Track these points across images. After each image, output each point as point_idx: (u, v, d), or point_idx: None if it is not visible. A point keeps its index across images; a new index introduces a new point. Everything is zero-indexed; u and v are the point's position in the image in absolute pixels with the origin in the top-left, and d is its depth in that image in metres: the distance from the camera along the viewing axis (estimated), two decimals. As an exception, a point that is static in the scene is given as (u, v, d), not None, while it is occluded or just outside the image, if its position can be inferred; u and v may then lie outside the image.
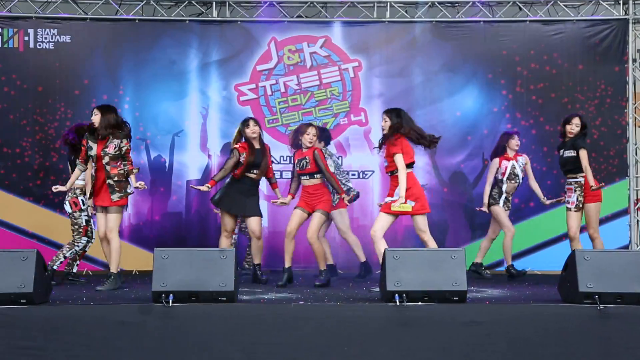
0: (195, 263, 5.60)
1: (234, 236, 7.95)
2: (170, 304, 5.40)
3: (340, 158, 9.16)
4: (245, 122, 7.43)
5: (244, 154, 7.29)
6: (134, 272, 8.71)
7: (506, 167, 8.05)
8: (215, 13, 9.25)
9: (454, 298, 5.56)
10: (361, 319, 5.44)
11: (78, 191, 7.40)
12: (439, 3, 9.23)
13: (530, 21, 9.20)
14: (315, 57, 9.29)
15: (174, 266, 5.56)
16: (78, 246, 7.54)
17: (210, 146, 9.21)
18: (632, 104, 9.09)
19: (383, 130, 6.73)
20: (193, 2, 9.24)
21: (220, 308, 5.48)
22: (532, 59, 9.17)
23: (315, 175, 7.15)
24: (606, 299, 5.44)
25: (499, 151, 8.15)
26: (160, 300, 5.43)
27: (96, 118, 6.72)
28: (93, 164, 6.77)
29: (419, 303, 5.51)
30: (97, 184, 6.73)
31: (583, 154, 7.20)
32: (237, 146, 7.35)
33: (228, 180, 7.42)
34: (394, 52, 9.29)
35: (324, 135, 8.00)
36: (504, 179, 8.05)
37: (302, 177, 7.20)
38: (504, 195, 8.07)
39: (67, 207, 7.50)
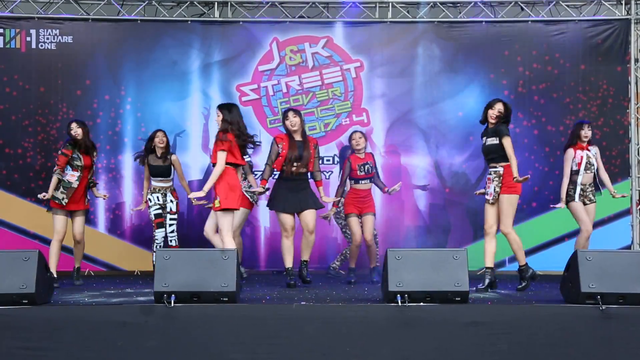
0: (197, 263, 5.61)
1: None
2: (172, 305, 5.41)
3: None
4: (284, 114, 7.36)
5: (282, 144, 7.19)
6: (135, 273, 8.71)
7: (582, 157, 7.45)
8: (217, 13, 9.26)
9: (456, 298, 5.56)
10: (363, 319, 5.44)
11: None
12: (441, 3, 9.23)
13: (532, 21, 9.20)
14: (317, 58, 9.29)
15: (175, 267, 5.56)
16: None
17: (212, 146, 9.19)
18: (634, 104, 9.08)
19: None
20: (195, 2, 9.25)
21: (222, 308, 5.49)
22: (534, 59, 9.17)
23: (370, 180, 7.77)
24: (608, 300, 5.44)
25: (573, 141, 7.54)
26: (162, 300, 5.43)
27: (80, 131, 7.49)
28: (75, 172, 7.49)
29: (421, 304, 5.51)
30: (79, 190, 7.50)
31: (507, 142, 6.73)
32: (275, 136, 7.37)
33: (275, 180, 7.37)
34: (396, 52, 9.29)
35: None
36: (581, 169, 7.43)
37: (362, 181, 7.73)
38: (579, 188, 7.41)
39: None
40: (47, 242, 8.81)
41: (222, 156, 6.31)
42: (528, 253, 8.98)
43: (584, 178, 7.42)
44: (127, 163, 9.09)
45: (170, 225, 8.04)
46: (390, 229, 9.05)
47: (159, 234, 7.98)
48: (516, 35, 9.18)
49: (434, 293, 5.53)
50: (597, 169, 7.56)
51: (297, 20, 9.29)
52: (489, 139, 6.85)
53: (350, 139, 8.00)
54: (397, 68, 9.28)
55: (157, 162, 8.01)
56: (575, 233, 8.81)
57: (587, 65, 9.12)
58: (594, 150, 7.57)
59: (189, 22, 9.24)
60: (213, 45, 9.25)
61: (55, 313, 5.50)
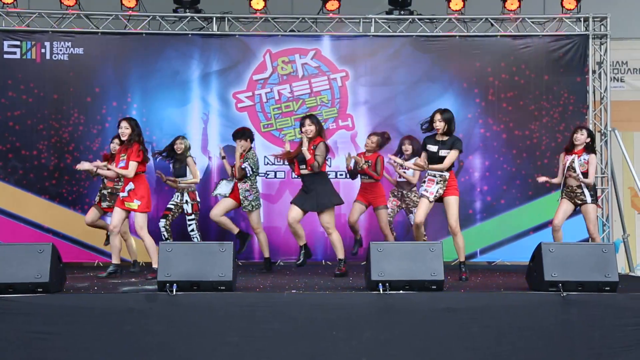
0: (196, 255, 5.60)
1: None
2: (174, 293, 5.40)
3: (329, 160, 9.17)
4: (300, 122, 7.26)
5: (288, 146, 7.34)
6: (140, 264, 8.68)
7: (566, 160, 7.25)
8: (215, 27, 9.24)
9: (433, 287, 5.58)
10: (348, 306, 5.45)
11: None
12: (419, 19, 9.25)
13: (501, 36, 9.23)
14: (307, 68, 9.28)
15: (177, 258, 5.56)
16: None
17: (211, 149, 9.19)
18: (592, 111, 9.14)
19: None
20: (195, 17, 9.22)
21: (220, 296, 5.49)
22: (503, 70, 9.20)
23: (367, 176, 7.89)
24: (569, 287, 5.48)
25: (568, 145, 7.34)
26: (165, 289, 5.43)
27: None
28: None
29: (401, 291, 5.52)
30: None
31: (455, 155, 6.71)
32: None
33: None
34: (378, 63, 9.29)
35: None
36: (564, 172, 7.25)
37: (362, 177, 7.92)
38: (564, 188, 7.27)
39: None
40: (60, 235, 8.84)
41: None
42: (497, 245, 9.08)
43: (568, 180, 7.24)
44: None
45: (189, 225, 8.11)
46: (373, 224, 9.04)
47: (160, 223, 8.05)
48: (486, 49, 9.21)
49: (413, 282, 5.55)
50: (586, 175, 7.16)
51: (288, 34, 9.28)
52: (442, 150, 6.72)
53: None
54: (380, 77, 9.28)
55: (177, 164, 8.11)
56: (538, 227, 8.89)
57: (550, 75, 9.16)
58: (586, 157, 7.18)
59: (190, 36, 9.21)
60: (212, 57, 9.22)
61: (68, 300, 5.48)
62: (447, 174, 6.75)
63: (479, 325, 5.39)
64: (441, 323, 5.38)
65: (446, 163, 6.71)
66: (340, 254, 7.17)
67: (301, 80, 9.28)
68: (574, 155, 7.26)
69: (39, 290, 5.43)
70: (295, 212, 7.04)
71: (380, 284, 5.47)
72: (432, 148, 6.79)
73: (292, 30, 9.30)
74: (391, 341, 5.35)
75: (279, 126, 9.23)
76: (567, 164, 7.24)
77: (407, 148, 8.17)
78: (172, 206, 8.13)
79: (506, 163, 9.15)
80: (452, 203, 6.75)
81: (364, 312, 5.42)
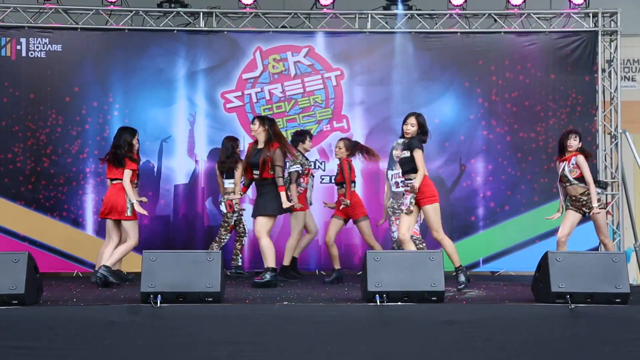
0: (182, 265, 5.58)
1: (225, 238, 8.35)
2: (159, 305, 5.38)
3: (323, 163, 9.20)
4: (252, 121, 7.38)
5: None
6: (125, 273, 8.64)
7: (560, 169, 7.19)
8: (202, 23, 9.24)
9: (433, 298, 5.58)
10: (343, 318, 5.44)
11: (232, 194, 7.89)
12: (418, 15, 9.27)
13: (505, 32, 9.26)
14: (299, 66, 9.30)
15: (162, 268, 5.54)
16: (223, 241, 8.30)
17: (198, 152, 9.19)
18: (601, 112, 9.16)
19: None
20: (181, 12, 9.23)
21: (207, 308, 5.47)
22: (507, 68, 9.22)
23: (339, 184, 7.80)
24: (577, 299, 5.48)
25: (559, 151, 7.25)
26: (149, 301, 5.41)
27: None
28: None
29: (399, 303, 5.52)
30: None
31: (418, 155, 6.53)
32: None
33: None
34: (375, 61, 9.31)
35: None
36: (563, 181, 7.18)
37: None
38: (565, 198, 7.19)
39: (223, 208, 8.34)
40: (37, 244, 8.80)
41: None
42: (501, 254, 9.10)
43: (566, 190, 7.15)
44: (115, 168, 9.03)
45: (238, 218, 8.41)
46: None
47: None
48: (489, 46, 9.24)
49: (411, 293, 5.55)
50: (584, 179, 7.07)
51: (280, 30, 9.29)
52: (402, 153, 6.72)
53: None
54: (376, 76, 9.30)
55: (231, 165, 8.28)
56: (545, 235, 8.89)
57: (557, 74, 9.19)
58: (574, 160, 7.08)
59: (175, 32, 9.21)
60: (198, 54, 9.23)
61: (44, 313, 5.45)
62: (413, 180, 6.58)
63: (481, 339, 5.38)
64: (442, 337, 5.38)
65: (419, 171, 6.50)
66: (270, 263, 6.99)
67: (293, 80, 9.29)
68: (564, 162, 7.15)
69: (13, 302, 5.40)
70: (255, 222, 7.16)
71: (377, 295, 5.47)
72: (396, 152, 6.71)
73: (283, 27, 9.31)
74: (389, 356, 5.34)
75: (270, 128, 9.22)
76: (560, 173, 7.15)
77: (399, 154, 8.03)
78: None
79: (510, 167, 9.17)
80: (428, 214, 6.60)
81: (359, 325, 5.41)
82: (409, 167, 6.63)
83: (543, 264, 5.73)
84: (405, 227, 6.57)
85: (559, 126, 9.09)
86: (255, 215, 7.10)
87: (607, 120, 9.22)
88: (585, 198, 7.10)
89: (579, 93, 9.15)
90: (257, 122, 7.15)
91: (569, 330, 5.41)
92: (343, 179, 7.74)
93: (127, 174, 7.20)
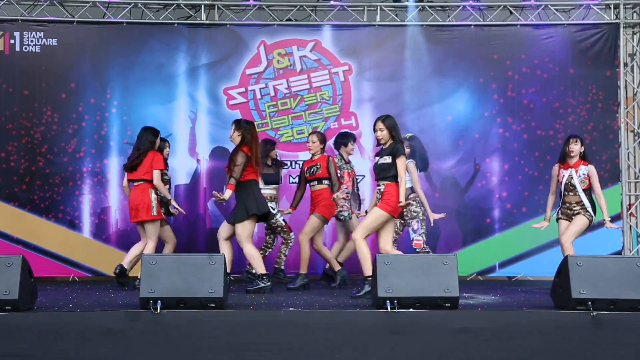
0: (183, 269, 5.56)
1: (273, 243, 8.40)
2: (158, 311, 5.36)
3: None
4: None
5: None
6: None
7: (563, 177, 7.19)
8: (204, 16, 9.23)
9: (446, 304, 5.54)
10: (352, 325, 5.41)
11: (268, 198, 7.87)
12: (430, 6, 9.24)
13: (521, 25, 9.22)
14: (305, 61, 9.28)
15: (162, 272, 5.51)
16: (290, 242, 8.23)
17: (199, 150, 9.18)
18: (623, 108, 9.12)
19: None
20: (181, 5, 9.21)
21: (209, 314, 5.44)
22: (523, 63, 9.19)
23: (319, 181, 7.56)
24: (599, 305, 5.43)
25: (560, 157, 7.29)
26: (148, 306, 5.38)
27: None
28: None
29: (411, 309, 5.48)
30: None
31: (400, 162, 6.38)
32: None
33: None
34: (385, 55, 9.29)
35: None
36: (562, 189, 7.20)
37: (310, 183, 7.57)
38: (562, 206, 7.24)
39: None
40: (31, 247, 8.80)
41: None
42: (518, 258, 9.05)
43: (567, 198, 7.18)
44: (113, 167, 9.04)
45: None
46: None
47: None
48: (505, 39, 9.21)
49: (424, 299, 5.51)
50: (593, 191, 7.14)
51: (285, 23, 9.27)
52: (382, 158, 6.48)
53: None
54: (386, 72, 9.28)
55: (269, 170, 8.11)
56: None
57: (577, 69, 9.15)
58: (585, 170, 7.11)
59: (176, 25, 9.20)
60: (200, 49, 9.22)
61: (39, 319, 5.43)
62: (382, 186, 6.45)
63: (497, 348, 5.34)
64: (456, 345, 5.34)
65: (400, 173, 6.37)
66: (259, 269, 7.01)
67: (299, 75, 9.27)
68: (569, 169, 7.14)
69: (7, 308, 5.38)
70: (222, 227, 7.09)
71: (388, 301, 5.43)
72: (375, 158, 6.58)
73: (289, 20, 9.30)
74: (400, 365, 5.30)
75: (275, 125, 9.21)
76: (565, 181, 7.14)
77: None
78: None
79: (528, 166, 9.13)
80: (370, 216, 6.44)
81: (369, 333, 5.38)
82: (385, 174, 6.44)
83: (563, 269, 5.68)
84: (384, 240, 6.50)
85: (578, 123, 9.06)
86: (229, 222, 7.06)
87: (629, 117, 9.17)
88: (577, 207, 7.12)
89: (599, 88, 9.11)
90: (232, 127, 7.07)
91: (591, 339, 5.37)
92: (328, 175, 7.53)
93: (157, 174, 7.25)
